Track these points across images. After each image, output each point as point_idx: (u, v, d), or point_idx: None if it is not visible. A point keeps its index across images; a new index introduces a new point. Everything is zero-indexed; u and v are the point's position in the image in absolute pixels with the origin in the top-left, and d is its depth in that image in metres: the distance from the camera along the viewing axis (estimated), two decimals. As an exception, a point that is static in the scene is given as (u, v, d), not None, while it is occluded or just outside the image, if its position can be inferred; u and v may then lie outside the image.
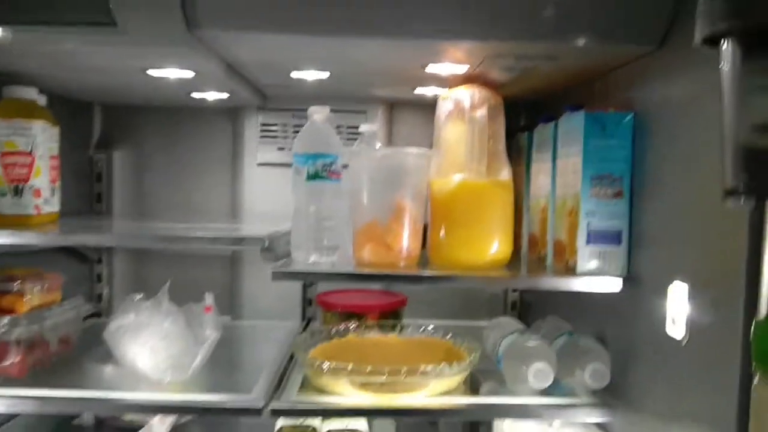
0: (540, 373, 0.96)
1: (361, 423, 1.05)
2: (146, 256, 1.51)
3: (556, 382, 1.00)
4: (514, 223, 1.05)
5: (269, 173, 1.49)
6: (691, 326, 0.77)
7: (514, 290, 1.49)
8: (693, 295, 0.77)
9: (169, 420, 1.14)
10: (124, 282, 1.50)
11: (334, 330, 1.16)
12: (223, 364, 1.12)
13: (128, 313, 1.07)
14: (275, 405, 0.94)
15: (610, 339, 1.00)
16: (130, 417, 1.16)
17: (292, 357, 1.13)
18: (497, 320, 1.21)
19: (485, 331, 1.17)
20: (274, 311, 1.50)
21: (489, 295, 1.52)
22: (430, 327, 1.18)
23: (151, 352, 1.03)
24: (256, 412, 0.93)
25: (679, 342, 0.78)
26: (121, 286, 1.50)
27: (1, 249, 1.00)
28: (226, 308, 1.48)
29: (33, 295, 1.04)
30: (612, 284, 0.93)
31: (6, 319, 0.97)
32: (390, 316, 1.26)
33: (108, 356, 1.07)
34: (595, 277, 0.93)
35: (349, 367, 0.93)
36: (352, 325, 1.18)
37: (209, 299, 1.07)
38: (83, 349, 1.16)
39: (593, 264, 0.94)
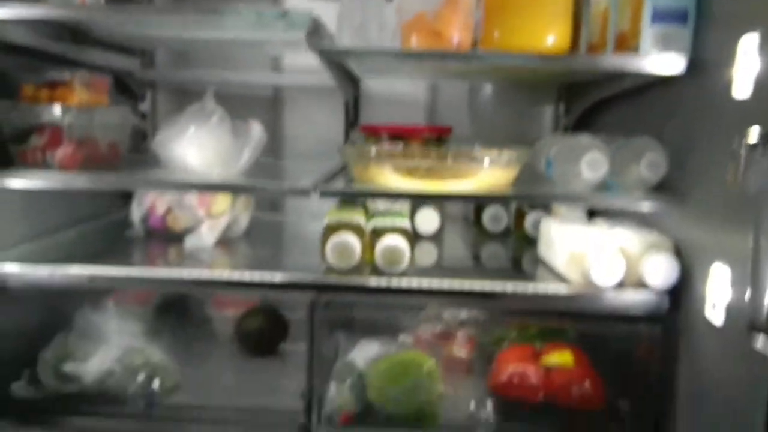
0: (594, 162, 0.93)
1: (405, 221, 1.05)
2: (189, 96, 1.51)
3: (609, 184, 0.98)
4: (572, 23, 0.99)
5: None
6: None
7: (567, 111, 1.42)
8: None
9: (219, 227, 1.16)
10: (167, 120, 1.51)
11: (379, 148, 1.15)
12: (268, 169, 1.13)
13: (174, 122, 1.08)
14: (323, 188, 0.95)
15: (667, 139, 0.96)
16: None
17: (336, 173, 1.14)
18: (545, 139, 1.17)
19: (535, 149, 1.14)
20: (316, 153, 1.50)
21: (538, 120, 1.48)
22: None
23: (199, 149, 1.04)
24: (305, 192, 0.94)
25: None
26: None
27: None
28: (267, 151, 1.50)
29: (82, 92, 1.05)
30: (675, 64, 0.88)
31: (58, 105, 0.99)
32: (435, 143, 1.24)
33: (157, 163, 1.09)
34: (659, 55, 0.88)
35: (396, 151, 0.92)
36: (398, 144, 1.17)
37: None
38: (131, 159, 1.19)
39: (657, 46, 0.89)
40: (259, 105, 1.51)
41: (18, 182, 0.96)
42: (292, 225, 1.44)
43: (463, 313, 1.27)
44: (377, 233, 1.00)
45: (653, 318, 0.93)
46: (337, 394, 1.00)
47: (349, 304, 1.03)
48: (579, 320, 1.01)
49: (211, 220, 1.18)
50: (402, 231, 1.00)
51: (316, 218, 1.03)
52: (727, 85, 0.80)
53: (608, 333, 1.07)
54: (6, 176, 0.96)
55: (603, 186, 0.98)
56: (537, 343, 1.13)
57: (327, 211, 1.08)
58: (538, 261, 1.12)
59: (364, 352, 1.07)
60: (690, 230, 0.91)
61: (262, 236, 1.30)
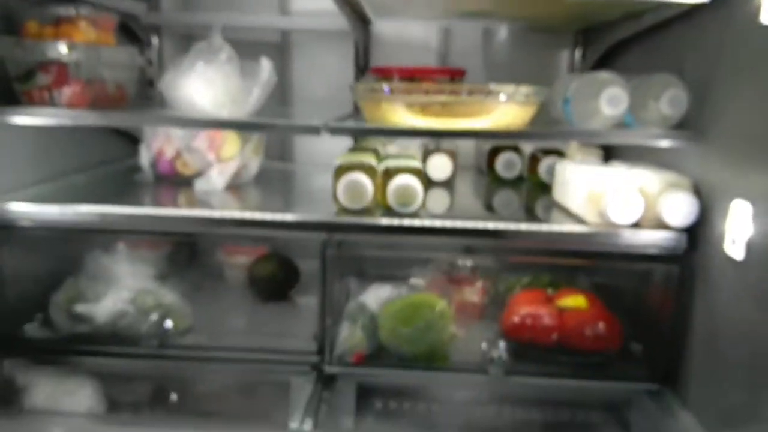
0: (613, 98, 0.90)
1: (418, 163, 1.03)
2: (195, 42, 1.48)
3: (628, 123, 0.95)
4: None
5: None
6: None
7: (583, 56, 1.38)
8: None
9: (229, 171, 1.15)
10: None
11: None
12: (277, 112, 1.11)
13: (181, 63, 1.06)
14: (333, 125, 0.93)
15: (687, 76, 0.93)
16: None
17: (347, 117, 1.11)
18: (563, 78, 1.14)
19: (552, 88, 1.10)
20: (325, 101, 1.47)
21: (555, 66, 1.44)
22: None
23: (208, 85, 1.01)
24: (315, 130, 0.92)
25: None
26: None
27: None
28: (275, 97, 1.47)
29: (88, 29, 1.02)
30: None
31: (64, 42, 0.97)
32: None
33: (165, 105, 1.07)
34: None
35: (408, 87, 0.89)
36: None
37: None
38: (139, 102, 1.17)
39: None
40: (266, 50, 1.45)
41: (24, 119, 0.95)
42: (303, 173, 1.42)
43: (476, 260, 1.27)
44: (389, 173, 0.98)
45: (671, 257, 0.91)
46: (349, 335, 1.00)
47: (361, 245, 1.02)
48: (595, 260, 0.99)
49: (220, 164, 1.16)
50: (415, 171, 0.98)
51: (326, 168, 1.02)
52: (755, 11, 0.77)
53: (624, 274, 1.06)
54: (12, 113, 0.95)
55: (622, 125, 0.96)
56: (549, 289, 1.12)
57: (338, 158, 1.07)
58: (553, 205, 1.10)
59: (376, 295, 1.07)
60: (710, 169, 0.89)
61: (273, 182, 1.28)
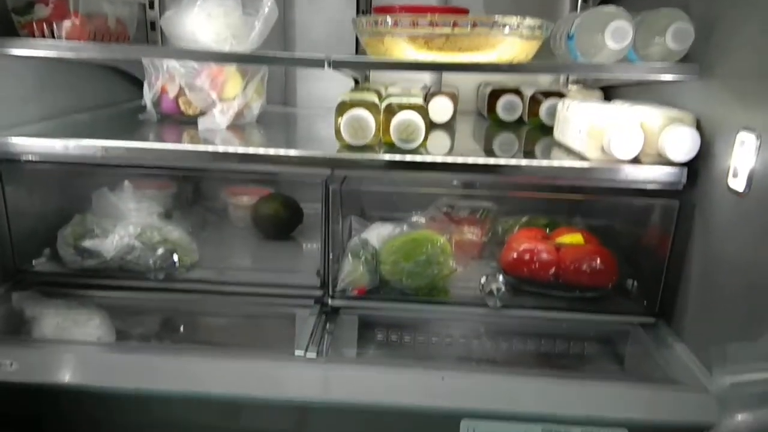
0: (619, 31, 0.89)
1: (420, 99, 1.04)
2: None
3: (631, 58, 0.95)
4: None
5: None
6: None
7: None
8: None
9: (232, 110, 1.15)
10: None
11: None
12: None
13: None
14: (336, 58, 0.93)
15: (694, 8, 0.92)
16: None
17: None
18: (567, 15, 1.13)
19: (556, 25, 1.09)
20: (327, 45, 1.46)
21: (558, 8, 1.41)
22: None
23: (209, 21, 1.01)
24: (319, 63, 0.92)
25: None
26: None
27: None
28: (276, 40, 1.46)
29: (87, -37, 1.01)
30: None
31: (62, -27, 0.96)
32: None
33: (166, 43, 1.07)
34: None
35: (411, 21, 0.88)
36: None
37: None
38: (139, 40, 1.16)
39: None
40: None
41: (23, 51, 0.94)
42: (305, 116, 1.42)
43: (475, 199, 1.28)
44: (392, 110, 0.98)
45: (670, 192, 0.92)
46: (352, 270, 1.02)
47: (363, 182, 1.03)
48: (594, 196, 1.01)
49: (223, 103, 1.16)
50: (418, 107, 0.98)
51: (329, 112, 1.02)
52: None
53: (622, 211, 1.07)
54: (10, 45, 0.94)
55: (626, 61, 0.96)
56: (547, 230, 1.14)
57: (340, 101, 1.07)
58: (554, 145, 1.10)
59: (378, 232, 1.09)
60: (714, 103, 0.89)
61: (275, 123, 1.28)
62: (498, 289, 0.96)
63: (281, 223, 1.22)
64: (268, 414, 0.77)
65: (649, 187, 0.94)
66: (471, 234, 1.16)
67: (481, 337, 1.02)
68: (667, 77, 0.91)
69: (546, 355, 0.99)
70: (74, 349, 0.88)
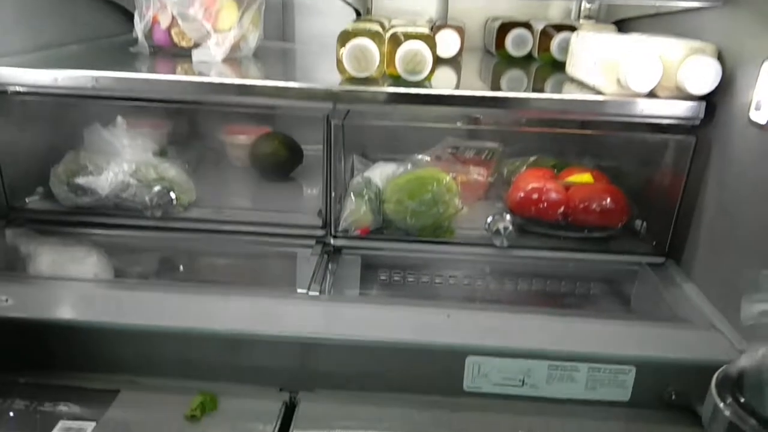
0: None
1: (427, 30, 0.98)
2: None
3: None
4: None
5: None
6: None
7: None
8: None
9: (227, 42, 1.09)
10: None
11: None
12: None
13: None
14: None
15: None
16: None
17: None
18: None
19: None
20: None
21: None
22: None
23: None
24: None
25: None
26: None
27: None
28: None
29: None
30: None
31: None
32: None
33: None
34: None
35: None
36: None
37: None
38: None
39: None
40: None
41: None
42: (304, 51, 1.36)
43: (482, 137, 1.24)
44: (397, 39, 0.93)
45: (687, 127, 0.89)
46: (355, 209, 0.99)
47: (366, 116, 0.99)
48: (606, 132, 0.97)
49: (218, 35, 1.11)
50: (424, 37, 0.93)
51: (329, 48, 0.96)
52: None
53: (635, 148, 1.03)
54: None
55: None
56: (555, 170, 1.10)
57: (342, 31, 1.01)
58: (566, 80, 1.06)
59: (381, 171, 1.05)
60: (737, 32, 0.84)
61: (273, 58, 1.23)
62: (505, 228, 0.93)
63: (281, 162, 1.19)
64: (270, 351, 0.75)
65: (665, 122, 0.90)
66: (476, 174, 1.12)
67: (486, 277, 1.00)
68: (692, 4, 0.86)
69: (552, 295, 0.97)
70: (72, 285, 0.86)
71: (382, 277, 1.02)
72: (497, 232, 0.93)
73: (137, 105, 0.98)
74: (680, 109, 0.87)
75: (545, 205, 0.99)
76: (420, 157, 1.04)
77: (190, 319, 0.77)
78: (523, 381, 0.76)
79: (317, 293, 0.86)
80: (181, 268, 1.02)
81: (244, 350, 0.76)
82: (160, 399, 0.74)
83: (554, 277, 0.99)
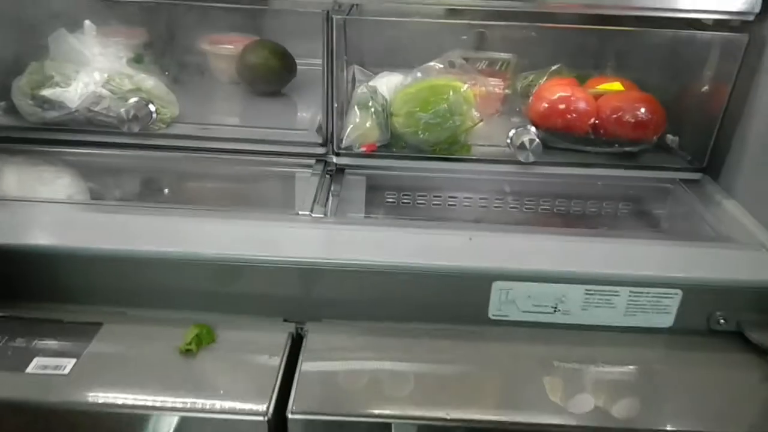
0: None
1: None
2: None
3: None
4: None
5: None
6: None
7: None
8: None
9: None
10: None
11: None
12: None
13: None
14: None
15: None
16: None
17: None
18: None
19: None
20: None
21: None
22: None
23: None
24: None
25: None
26: None
27: None
28: None
29: None
30: None
31: None
32: None
33: None
34: None
35: None
36: None
37: None
38: None
39: None
40: None
41: None
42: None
43: (493, 54, 1.12)
44: None
45: (739, 23, 0.78)
46: (359, 123, 0.88)
47: (369, 13, 0.86)
48: (645, 28, 0.86)
49: None
50: None
51: None
52: None
53: (673, 51, 0.93)
54: None
55: None
56: (579, 80, 0.99)
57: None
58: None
59: (387, 81, 0.94)
60: None
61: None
62: (531, 141, 0.83)
63: (272, 73, 1.06)
64: (272, 279, 0.67)
65: (713, 17, 0.79)
66: (492, 85, 1.01)
67: (505, 197, 0.91)
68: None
69: (578, 215, 0.89)
70: (44, 207, 0.76)
71: (390, 200, 0.93)
72: (522, 146, 0.83)
73: (106, 2, 0.85)
74: (733, 2, 0.76)
75: (573, 116, 0.89)
76: (432, 64, 0.93)
77: (180, 244, 0.67)
78: (556, 307, 0.69)
79: (321, 215, 0.77)
80: (166, 191, 0.92)
81: (243, 278, 0.67)
82: (149, 332, 0.66)
83: (580, 196, 0.91)
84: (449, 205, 0.93)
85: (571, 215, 0.90)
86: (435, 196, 0.93)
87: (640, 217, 0.90)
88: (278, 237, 0.70)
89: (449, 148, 0.89)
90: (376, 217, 0.90)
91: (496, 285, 0.67)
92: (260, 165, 0.92)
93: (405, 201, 0.93)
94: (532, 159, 0.84)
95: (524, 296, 0.68)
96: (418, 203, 0.93)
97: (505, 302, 0.69)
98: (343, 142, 0.89)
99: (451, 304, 0.69)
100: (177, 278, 0.67)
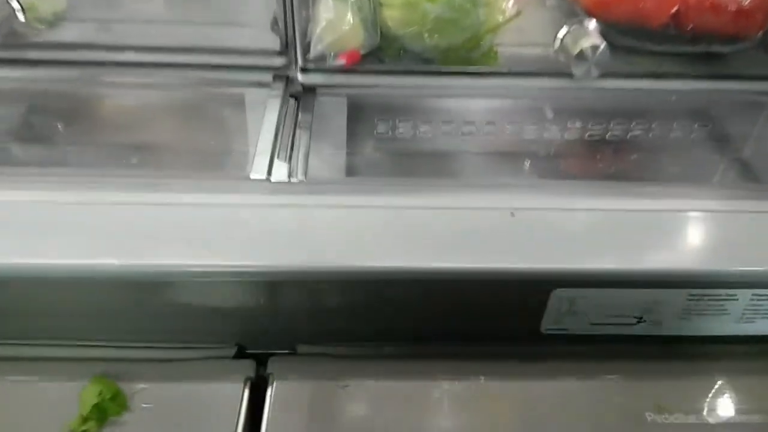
0: None
1: None
2: None
3: None
4: None
5: None
6: None
7: None
8: None
9: None
10: None
11: None
12: None
13: None
14: None
15: None
16: None
17: None
18: None
19: None
20: None
21: None
22: None
23: None
24: None
25: None
26: None
27: None
28: None
29: None
30: None
31: None
32: None
33: None
34: None
35: None
36: None
37: None
38: None
39: None
40: None
41: None
42: None
43: None
44: None
45: None
46: (334, 21, 0.59)
47: None
48: None
49: None
50: None
51: None
52: None
53: None
54: None
55: None
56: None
57: None
58: None
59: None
60: None
61: None
62: (594, 49, 0.55)
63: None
64: (206, 294, 0.43)
65: None
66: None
67: (542, 125, 0.65)
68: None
69: (648, 152, 0.64)
70: None
71: (381, 130, 0.66)
72: (581, 55, 0.56)
73: None
74: None
75: (647, 4, 0.60)
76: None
77: (48, 252, 0.41)
78: (641, 318, 0.46)
79: (284, 177, 0.51)
80: (38, 142, 0.63)
81: (163, 297, 0.43)
82: (19, 395, 0.42)
83: (644, 118, 0.65)
84: (463, 133, 0.67)
85: (639, 150, 0.65)
86: (443, 124, 0.66)
87: (736, 157, 0.65)
88: (217, 227, 0.44)
89: (468, 57, 0.61)
90: (364, 178, 0.63)
91: (558, 294, 0.44)
92: (192, 85, 0.63)
93: (401, 132, 0.66)
94: (595, 74, 0.56)
95: (597, 305, 0.46)
96: (419, 134, 0.66)
97: (568, 314, 0.46)
98: (312, 49, 0.60)
99: (484, 319, 0.46)
100: (52, 301, 0.43)
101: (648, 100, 0.64)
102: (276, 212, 0.46)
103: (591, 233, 0.46)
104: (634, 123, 0.64)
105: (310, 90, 0.63)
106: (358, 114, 0.64)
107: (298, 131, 0.58)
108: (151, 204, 0.45)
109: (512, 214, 0.47)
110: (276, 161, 0.52)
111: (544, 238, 0.45)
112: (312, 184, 0.51)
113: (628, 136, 0.64)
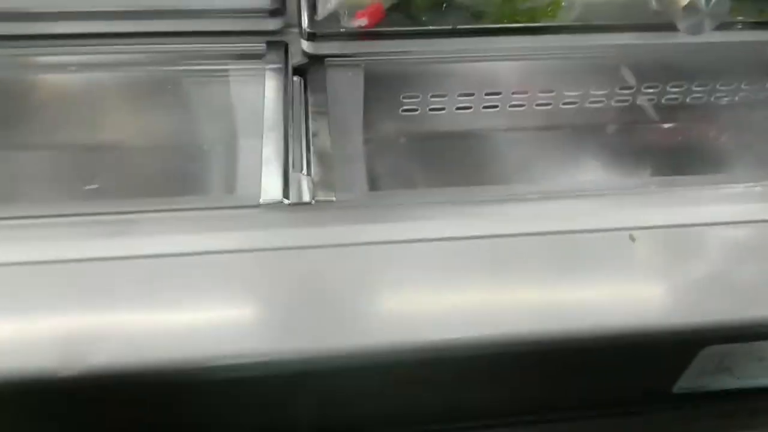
0: None
1: None
2: None
3: None
4: None
5: None
6: None
7: None
8: None
9: None
10: None
11: None
12: None
13: None
14: None
15: None
16: None
17: None
18: None
19: None
20: None
21: None
22: None
23: None
24: None
25: None
26: None
27: None
28: None
29: None
30: None
31: None
32: None
33: None
34: None
35: None
36: None
37: None
38: None
39: None
40: None
41: None
42: None
43: None
44: None
45: None
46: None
47: None
48: None
49: None
50: None
51: None
52: None
53: None
54: None
55: None
56: None
57: None
58: None
59: None
60: None
61: None
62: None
63: None
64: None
65: None
66: None
67: (632, 93, 0.51)
68: None
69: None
70: None
71: (408, 106, 0.52)
72: (691, 6, 0.41)
73: None
74: None
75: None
76: None
77: None
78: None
79: (308, 193, 0.37)
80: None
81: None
82: None
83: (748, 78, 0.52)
84: (511, 106, 0.53)
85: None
86: (488, 95, 0.52)
87: None
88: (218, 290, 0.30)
89: (524, 10, 0.46)
90: (416, 193, 0.48)
91: (708, 351, 0.32)
92: (167, 59, 0.47)
93: (434, 108, 0.52)
94: (709, 27, 0.42)
95: (751, 359, 0.34)
96: (456, 111, 0.52)
97: (713, 371, 0.34)
98: (320, 7, 0.45)
99: (600, 381, 0.35)
100: None
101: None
102: (289, 260, 0.32)
103: (748, 259, 0.33)
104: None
105: (316, 60, 0.48)
106: (376, 85, 0.49)
107: (310, 123, 0.43)
108: (127, 258, 0.31)
109: (632, 238, 0.34)
110: (290, 172, 0.38)
111: (687, 275, 0.32)
112: (348, 207, 0.37)
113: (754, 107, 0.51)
